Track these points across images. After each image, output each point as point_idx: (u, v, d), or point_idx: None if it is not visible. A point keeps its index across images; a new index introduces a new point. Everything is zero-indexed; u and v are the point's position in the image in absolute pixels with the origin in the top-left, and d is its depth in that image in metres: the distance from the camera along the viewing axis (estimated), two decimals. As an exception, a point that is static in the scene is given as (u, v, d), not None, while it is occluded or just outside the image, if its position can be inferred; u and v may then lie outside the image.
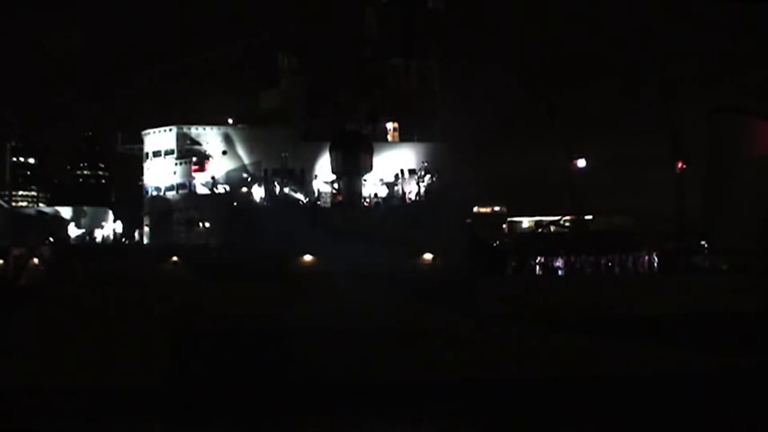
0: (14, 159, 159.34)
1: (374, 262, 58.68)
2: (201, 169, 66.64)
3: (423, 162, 68.81)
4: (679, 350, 59.87)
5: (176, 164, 67.54)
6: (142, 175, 69.61)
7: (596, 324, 59.65)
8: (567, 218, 75.34)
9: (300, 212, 64.28)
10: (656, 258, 64.92)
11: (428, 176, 67.69)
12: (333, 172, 66.58)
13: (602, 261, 64.33)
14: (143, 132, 69.94)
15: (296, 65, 72.08)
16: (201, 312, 56.87)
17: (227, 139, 68.00)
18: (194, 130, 68.26)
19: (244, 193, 66.20)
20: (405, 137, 70.68)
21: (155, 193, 68.08)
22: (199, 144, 67.89)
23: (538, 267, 65.23)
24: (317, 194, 67.00)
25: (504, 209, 75.82)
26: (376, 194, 67.30)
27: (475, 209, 73.90)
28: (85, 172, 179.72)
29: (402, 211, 65.55)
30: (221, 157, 67.70)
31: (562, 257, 64.57)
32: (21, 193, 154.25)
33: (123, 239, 68.00)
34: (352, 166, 65.64)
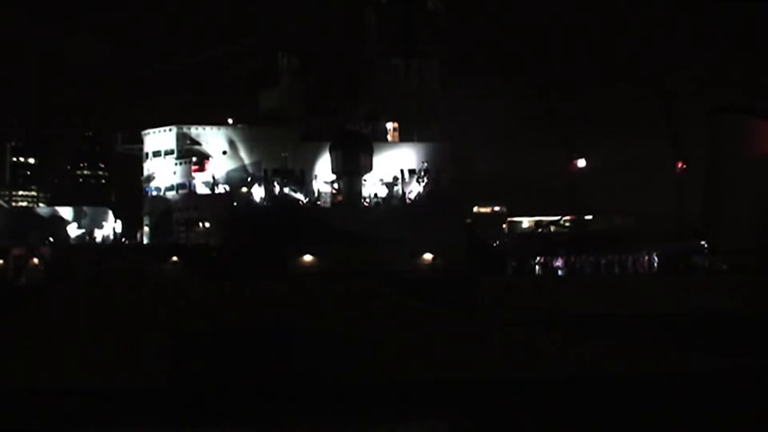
0: (14, 159, 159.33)
1: (374, 262, 58.81)
2: (201, 169, 66.67)
3: (423, 162, 68.84)
4: (679, 350, 59.87)
5: (176, 164, 67.57)
6: (142, 175, 69.64)
7: (596, 324, 59.63)
8: (567, 218, 75.36)
9: (300, 212, 64.32)
10: (656, 258, 64.87)
11: (428, 176, 67.66)
12: (333, 172, 66.61)
13: (602, 261, 64.26)
14: (143, 132, 69.95)
15: (296, 65, 72.10)
16: (201, 312, 56.87)
17: (228, 139, 68.06)
18: (194, 130, 68.29)
19: (244, 193, 66.21)
20: (405, 137, 70.71)
21: (155, 193, 68.08)
22: (199, 144, 67.93)
23: (538, 267, 65.19)
24: (316, 194, 67.01)
25: (504, 209, 75.86)
26: (376, 194, 67.31)
27: (475, 209, 73.96)
28: (85, 172, 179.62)
29: (402, 211, 65.56)
30: (221, 157, 67.75)
31: (562, 257, 64.54)
32: (21, 193, 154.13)
33: (123, 239, 68.00)
34: (352, 166, 65.67)
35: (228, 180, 67.12)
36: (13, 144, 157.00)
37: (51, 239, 64.64)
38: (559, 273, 64.57)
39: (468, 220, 70.51)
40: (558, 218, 75.52)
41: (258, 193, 65.99)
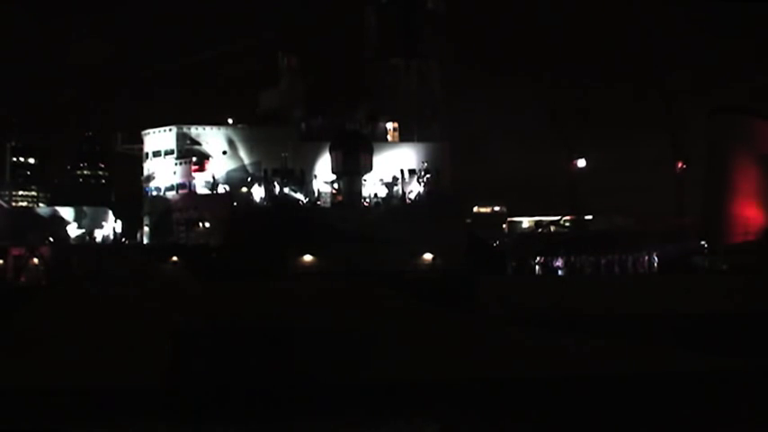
0: (14, 159, 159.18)
1: (374, 262, 58.84)
2: (201, 169, 66.70)
3: (423, 162, 68.84)
4: (679, 350, 59.84)
5: (176, 164, 67.58)
6: (142, 175, 69.65)
7: (596, 324, 59.61)
8: (567, 218, 75.39)
9: (300, 212, 64.35)
10: (656, 258, 64.85)
11: (428, 176, 67.67)
12: (333, 172, 66.63)
13: (602, 261, 64.24)
14: (143, 132, 69.98)
15: (296, 65, 72.13)
16: (201, 312, 56.87)
17: (228, 139, 68.10)
18: (194, 130, 68.32)
19: (244, 193, 66.23)
20: (405, 137, 70.72)
21: (155, 193, 68.09)
22: (199, 144, 67.94)
23: (538, 267, 65.18)
24: (316, 194, 67.03)
25: (504, 209, 75.92)
26: (376, 194, 67.32)
27: (475, 209, 74.02)
28: (85, 172, 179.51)
29: (402, 211, 65.56)
30: (221, 157, 67.75)
31: (562, 257, 64.52)
32: (21, 193, 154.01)
33: (123, 239, 68.02)
34: (352, 166, 65.69)
35: (228, 180, 67.13)
36: (13, 144, 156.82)
37: (51, 239, 64.64)
38: (559, 273, 64.55)
39: (468, 220, 70.52)
40: (558, 218, 75.55)
41: (258, 193, 66.01)
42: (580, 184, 73.79)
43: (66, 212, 68.14)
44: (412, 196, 67.57)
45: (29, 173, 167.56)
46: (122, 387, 53.93)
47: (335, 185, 67.00)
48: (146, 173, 69.32)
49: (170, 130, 68.33)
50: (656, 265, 64.93)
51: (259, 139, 68.17)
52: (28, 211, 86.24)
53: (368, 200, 66.73)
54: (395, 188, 67.78)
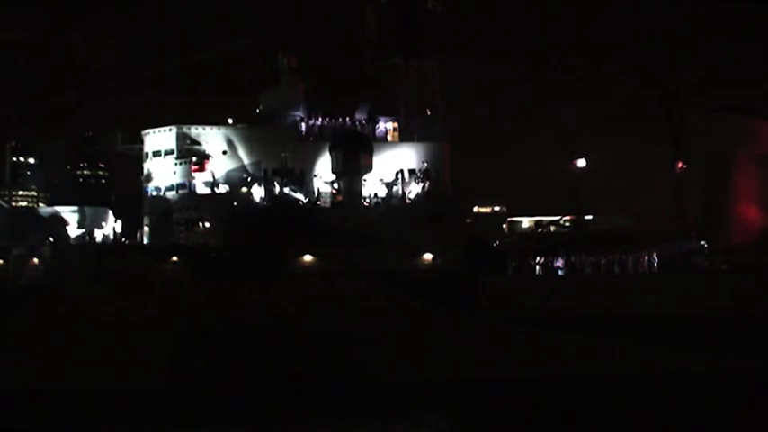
0: (14, 159, 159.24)
1: (374, 262, 58.85)
2: (201, 169, 66.74)
3: (423, 162, 68.85)
4: (679, 350, 59.85)
5: (176, 164, 67.63)
6: (142, 175, 69.68)
7: (596, 324, 59.61)
8: (567, 218, 75.39)
9: (300, 212, 64.36)
10: (656, 258, 64.84)
11: (428, 176, 67.67)
12: (333, 172, 66.66)
13: (602, 261, 64.23)
14: (143, 132, 70.02)
15: (296, 65, 72.19)
16: (201, 312, 56.86)
17: (228, 139, 68.14)
18: (194, 130, 68.37)
19: (244, 193, 66.26)
20: (405, 137, 70.75)
21: (155, 193, 68.12)
22: (199, 144, 67.98)
23: (538, 267, 65.17)
24: (316, 194, 67.06)
25: (504, 209, 75.94)
26: (376, 194, 67.34)
27: (475, 209, 74.03)
28: (85, 172, 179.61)
29: (402, 212, 65.58)
30: (221, 157, 67.78)
31: (562, 257, 64.51)
32: (21, 193, 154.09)
33: (123, 239, 68.02)
34: (352, 166, 65.74)
35: (228, 180, 67.18)
36: (13, 144, 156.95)
37: (51, 239, 64.64)
38: (559, 273, 64.52)
39: (468, 220, 70.54)
40: (558, 218, 75.55)
41: (258, 193, 66.04)
42: (580, 184, 73.84)
43: (67, 212, 68.15)
44: (412, 196, 67.59)
45: (29, 173, 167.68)
46: (123, 387, 53.95)
47: (335, 185, 67.03)
48: (146, 173, 69.37)
49: (170, 130, 68.38)
50: (656, 265, 64.91)
51: (259, 139, 68.23)
52: (29, 211, 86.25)
53: (368, 200, 66.76)
54: (395, 188, 67.82)
